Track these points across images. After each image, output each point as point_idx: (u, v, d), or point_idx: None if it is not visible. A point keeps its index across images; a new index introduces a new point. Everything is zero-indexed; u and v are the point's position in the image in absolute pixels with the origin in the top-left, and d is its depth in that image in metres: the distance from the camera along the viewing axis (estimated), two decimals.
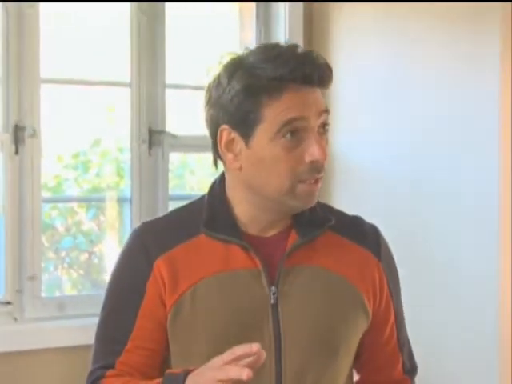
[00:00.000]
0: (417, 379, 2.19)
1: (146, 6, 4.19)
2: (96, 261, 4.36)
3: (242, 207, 1.95)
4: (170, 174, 4.27)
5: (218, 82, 1.88)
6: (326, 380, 2.01)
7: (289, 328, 1.96)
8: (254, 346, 1.64)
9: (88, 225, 4.22)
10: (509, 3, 3.77)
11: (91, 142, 4.16)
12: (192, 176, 4.74)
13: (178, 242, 2.00)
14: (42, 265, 3.93)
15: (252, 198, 1.91)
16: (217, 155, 1.89)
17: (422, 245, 4.12)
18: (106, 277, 3.92)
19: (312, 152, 1.85)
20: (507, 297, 3.85)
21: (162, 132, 4.08)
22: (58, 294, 4.16)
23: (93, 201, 4.26)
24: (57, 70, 4.09)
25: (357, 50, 4.51)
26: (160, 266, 1.97)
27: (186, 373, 1.76)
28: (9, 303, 3.74)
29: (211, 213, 2.00)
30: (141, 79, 4.12)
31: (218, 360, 1.72)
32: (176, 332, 1.94)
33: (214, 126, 1.86)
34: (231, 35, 4.74)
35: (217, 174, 2.28)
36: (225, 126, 1.81)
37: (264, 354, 1.63)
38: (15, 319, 3.78)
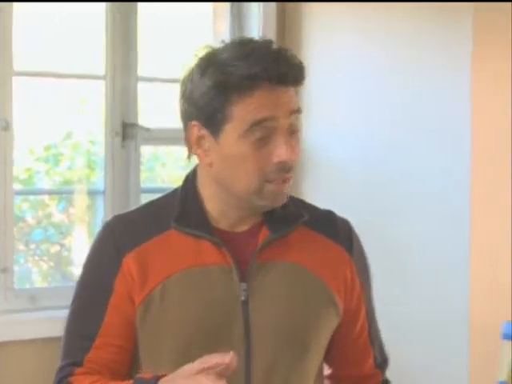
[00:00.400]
0: (388, 369, 2.21)
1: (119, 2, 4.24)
2: (66, 253, 4.34)
3: (213, 202, 1.97)
4: (141, 167, 4.28)
5: (191, 77, 1.90)
6: (295, 376, 2.04)
7: (258, 325, 1.98)
8: (227, 358, 1.65)
9: (59, 217, 4.24)
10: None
11: (63, 134, 4.17)
12: (163, 169, 4.77)
13: (149, 237, 2.00)
14: (14, 257, 3.91)
15: (222, 193, 1.94)
16: (190, 149, 1.92)
17: (393, 234, 4.18)
18: (77, 269, 4.02)
19: (279, 153, 1.88)
20: (478, 284, 3.92)
21: (135, 125, 4.08)
22: (28, 286, 4.16)
23: (64, 193, 4.27)
24: (30, 63, 4.12)
25: (328, 47, 4.58)
26: (129, 262, 1.98)
27: (157, 378, 1.76)
28: None
29: (183, 207, 2.02)
30: (115, 72, 4.12)
31: (189, 368, 1.73)
32: (145, 328, 1.94)
33: (185, 121, 1.89)
34: (205, 31, 4.79)
35: (188, 167, 2.32)
36: (195, 122, 1.85)
37: (235, 363, 1.62)
38: None
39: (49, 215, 4.30)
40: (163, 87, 4.70)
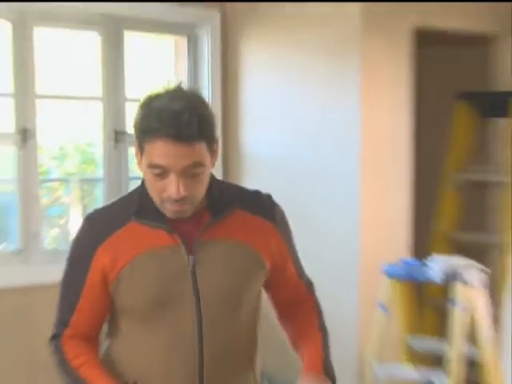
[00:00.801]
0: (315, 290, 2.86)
1: (111, 38, 4.98)
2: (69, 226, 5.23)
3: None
4: (128, 163, 5.14)
5: (140, 107, 2.32)
6: (234, 322, 2.55)
7: (204, 287, 2.47)
8: None
9: (65, 199, 5.26)
10: (368, 37, 4.72)
11: (72, 139, 5.26)
12: None
13: (117, 227, 2.45)
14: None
15: None
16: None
17: (303, 202, 5.16)
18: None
19: (169, 190, 2.30)
20: (365, 236, 4.91)
21: (124, 133, 4.98)
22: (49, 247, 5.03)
23: (71, 182, 5.21)
24: (49, 88, 4.94)
25: (259, 76, 5.47)
26: (100, 253, 2.44)
27: None
28: (21, 251, 4.70)
29: (141, 204, 2.45)
30: (109, 95, 5.03)
31: None
32: (119, 295, 2.43)
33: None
34: (170, 61, 5.59)
35: None
36: (135, 140, 2.29)
37: None
38: (26, 263, 4.71)
39: (59, 197, 5.32)
40: None
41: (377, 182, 4.93)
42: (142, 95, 2.53)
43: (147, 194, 2.35)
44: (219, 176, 5.01)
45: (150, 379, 2.56)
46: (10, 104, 4.63)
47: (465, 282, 4.51)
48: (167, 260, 2.41)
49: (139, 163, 2.29)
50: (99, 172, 5.13)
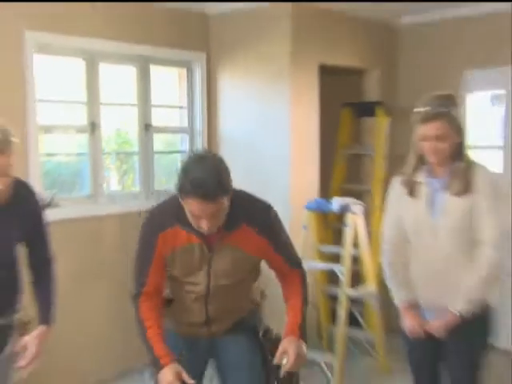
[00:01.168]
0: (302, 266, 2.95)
1: (141, 70, 5.28)
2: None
3: None
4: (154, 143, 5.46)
5: (181, 170, 2.44)
6: (232, 288, 2.74)
7: (214, 268, 2.67)
8: (190, 381, 2.51)
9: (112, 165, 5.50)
10: (294, 69, 5.15)
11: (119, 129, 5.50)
12: (161, 144, 5.75)
13: (168, 227, 2.62)
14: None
15: None
16: None
17: (259, 169, 5.46)
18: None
19: (202, 226, 2.47)
20: (294, 188, 5.32)
21: (150, 125, 5.36)
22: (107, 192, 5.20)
23: (116, 154, 5.51)
24: (107, 98, 5.15)
25: (228, 91, 5.72)
26: (160, 239, 2.64)
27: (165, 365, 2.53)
28: (91, 196, 5.02)
29: (182, 215, 2.53)
30: (141, 103, 5.32)
31: (164, 379, 2.54)
32: (169, 267, 2.68)
33: None
34: (176, 83, 5.79)
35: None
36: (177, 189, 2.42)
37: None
38: (95, 203, 5.04)
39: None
40: (161, 110, 5.68)
41: (300, 156, 5.45)
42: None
43: (185, 212, 2.50)
44: (204, 147, 5.56)
45: (181, 320, 2.87)
46: (84, 108, 4.98)
47: (352, 212, 5.11)
48: (195, 252, 2.64)
49: (181, 200, 2.46)
50: (135, 148, 5.46)
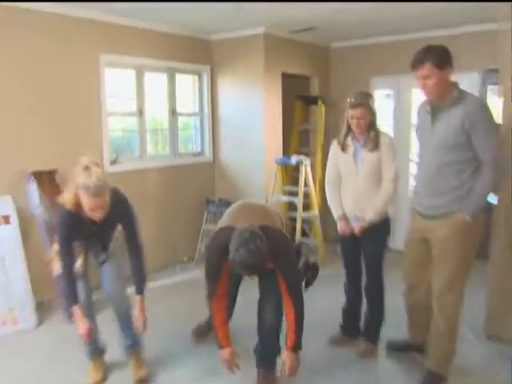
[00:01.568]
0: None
1: (170, 77, 5.18)
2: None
3: None
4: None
5: (232, 249, 2.38)
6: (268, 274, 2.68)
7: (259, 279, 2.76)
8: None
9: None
10: (266, 75, 5.12)
11: (153, 115, 5.37)
12: (184, 124, 5.54)
13: (226, 260, 2.50)
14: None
15: None
16: None
17: (244, 144, 5.49)
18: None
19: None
20: (268, 149, 5.34)
21: (175, 111, 5.47)
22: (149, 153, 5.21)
23: (154, 132, 5.40)
24: (148, 94, 5.10)
25: (225, 91, 5.63)
26: (225, 265, 2.58)
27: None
28: (139, 156, 5.07)
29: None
30: (170, 97, 5.38)
31: (222, 356, 2.71)
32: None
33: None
34: (191, 86, 5.70)
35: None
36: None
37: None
38: (142, 162, 5.14)
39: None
40: (185, 103, 5.63)
41: (270, 130, 5.50)
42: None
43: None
44: (209, 131, 5.69)
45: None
46: (134, 101, 5.06)
47: (304, 165, 5.27)
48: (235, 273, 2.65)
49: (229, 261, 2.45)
50: (165, 126, 5.49)
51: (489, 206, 3.04)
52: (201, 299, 3.85)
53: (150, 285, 3.01)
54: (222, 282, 2.69)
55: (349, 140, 3.33)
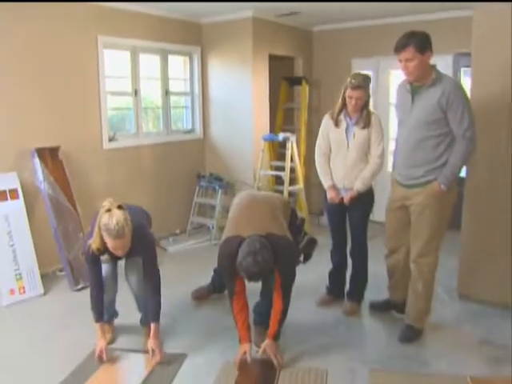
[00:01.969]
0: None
1: (163, 58, 5.16)
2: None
3: None
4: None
5: (240, 257, 2.48)
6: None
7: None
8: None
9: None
10: (254, 57, 5.17)
11: (149, 95, 5.41)
12: (175, 102, 5.53)
13: (238, 274, 2.58)
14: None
15: None
16: None
17: (234, 121, 5.54)
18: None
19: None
20: (255, 117, 5.40)
21: (168, 91, 5.51)
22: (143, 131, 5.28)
23: (149, 109, 5.42)
24: (142, 73, 5.11)
25: (215, 71, 5.69)
26: (239, 276, 2.62)
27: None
28: (134, 134, 5.10)
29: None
30: (163, 77, 5.40)
31: (240, 350, 2.74)
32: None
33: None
34: (182, 66, 5.69)
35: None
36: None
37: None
38: (137, 138, 5.20)
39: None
40: (178, 83, 5.66)
41: (258, 108, 5.49)
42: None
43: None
44: (200, 109, 5.74)
45: None
46: (130, 81, 5.11)
47: (290, 141, 5.34)
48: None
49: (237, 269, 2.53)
50: (159, 105, 5.54)
51: (461, 180, 3.20)
52: (192, 268, 4.20)
53: None
54: (238, 282, 2.77)
55: (341, 116, 3.41)
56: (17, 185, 4.13)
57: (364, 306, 3.74)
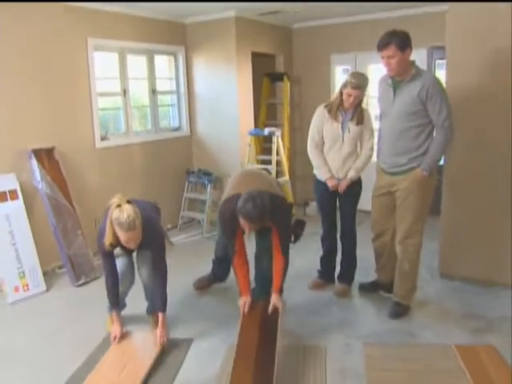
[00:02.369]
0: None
1: (149, 58, 5.20)
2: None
3: None
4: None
5: (240, 201, 2.60)
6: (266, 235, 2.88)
7: (257, 239, 3.05)
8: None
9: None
10: (238, 55, 5.23)
11: (139, 94, 5.46)
12: (162, 101, 5.55)
13: (236, 220, 2.67)
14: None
15: None
16: None
17: (221, 116, 5.58)
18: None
19: (244, 229, 2.61)
20: (240, 113, 5.43)
21: (155, 90, 5.54)
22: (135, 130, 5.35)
23: (138, 108, 5.37)
24: (131, 74, 5.14)
25: (199, 69, 5.71)
26: (239, 230, 2.75)
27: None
28: (125, 132, 5.13)
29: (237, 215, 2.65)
30: (150, 76, 5.45)
31: (240, 302, 2.93)
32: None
33: None
34: (167, 66, 5.73)
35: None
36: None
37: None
38: (127, 137, 5.23)
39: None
40: (165, 82, 5.68)
41: (242, 104, 5.58)
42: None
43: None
44: (186, 107, 5.79)
45: None
46: (119, 81, 5.14)
47: (275, 135, 5.47)
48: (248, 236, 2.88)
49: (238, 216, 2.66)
50: (147, 104, 5.57)
51: (440, 168, 3.37)
52: (188, 260, 4.29)
53: None
54: (238, 240, 2.92)
55: (338, 110, 3.50)
56: (16, 185, 4.21)
57: (354, 288, 3.91)
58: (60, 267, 4.51)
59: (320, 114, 3.57)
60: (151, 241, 2.93)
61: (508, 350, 2.86)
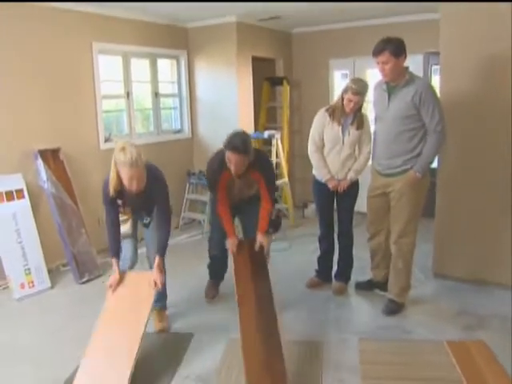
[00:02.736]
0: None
1: (152, 62, 5.22)
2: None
3: None
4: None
5: (228, 136, 2.81)
6: (248, 191, 3.09)
7: (237, 188, 2.99)
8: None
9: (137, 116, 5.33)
10: (238, 58, 5.23)
11: (142, 97, 5.52)
12: (165, 104, 5.60)
13: (224, 170, 2.90)
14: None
15: None
16: None
17: (221, 116, 5.60)
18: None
19: (233, 170, 2.76)
20: (240, 116, 5.45)
21: (158, 93, 5.61)
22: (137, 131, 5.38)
23: (140, 111, 5.42)
24: (134, 76, 5.15)
25: (201, 73, 5.76)
26: (223, 174, 2.91)
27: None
28: (128, 134, 5.15)
29: (226, 164, 2.81)
30: (153, 80, 5.49)
31: (229, 244, 3.13)
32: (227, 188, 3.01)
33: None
34: (170, 69, 5.76)
35: None
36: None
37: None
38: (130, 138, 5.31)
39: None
40: (167, 85, 5.76)
41: (242, 108, 5.66)
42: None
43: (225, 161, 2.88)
44: (187, 110, 5.84)
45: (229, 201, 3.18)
46: (122, 84, 5.20)
47: (275, 138, 5.55)
48: (232, 180, 3.00)
49: (225, 151, 2.83)
50: (150, 106, 5.63)
51: (433, 171, 3.42)
52: (189, 259, 4.31)
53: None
54: (221, 188, 3.10)
55: (339, 114, 3.54)
56: (22, 185, 4.27)
57: (350, 286, 3.97)
58: (64, 265, 4.55)
59: (321, 118, 3.60)
60: (155, 186, 2.89)
61: (498, 345, 2.92)
